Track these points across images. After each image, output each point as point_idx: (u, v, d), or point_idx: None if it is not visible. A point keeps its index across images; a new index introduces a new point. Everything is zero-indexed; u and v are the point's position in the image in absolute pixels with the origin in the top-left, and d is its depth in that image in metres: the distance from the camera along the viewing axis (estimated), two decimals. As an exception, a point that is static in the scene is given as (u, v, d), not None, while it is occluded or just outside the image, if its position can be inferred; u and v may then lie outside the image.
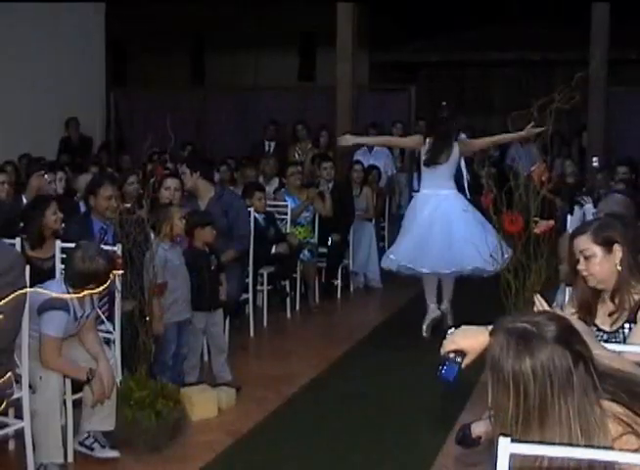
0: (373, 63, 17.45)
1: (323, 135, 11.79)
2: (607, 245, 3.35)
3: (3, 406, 2.40)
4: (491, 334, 2.25)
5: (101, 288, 4.22)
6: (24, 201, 6.81)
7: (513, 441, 1.98)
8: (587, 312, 3.45)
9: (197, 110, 14.07)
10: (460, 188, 7.58)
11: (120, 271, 4.99)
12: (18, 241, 5.37)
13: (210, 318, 6.01)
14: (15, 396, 4.31)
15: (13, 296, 1.44)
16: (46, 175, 7.17)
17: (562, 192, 9.20)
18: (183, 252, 5.86)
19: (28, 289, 4.19)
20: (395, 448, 5.04)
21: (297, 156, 11.74)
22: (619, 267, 3.33)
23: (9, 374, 2.03)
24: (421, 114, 13.14)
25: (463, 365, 2.55)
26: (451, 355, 2.56)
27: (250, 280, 7.43)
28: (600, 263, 3.36)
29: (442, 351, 2.59)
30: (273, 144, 12.35)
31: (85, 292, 4.29)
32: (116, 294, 5.18)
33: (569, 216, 7.00)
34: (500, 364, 2.13)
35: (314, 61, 18.34)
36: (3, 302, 1.39)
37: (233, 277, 6.66)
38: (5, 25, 11.12)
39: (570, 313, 3.45)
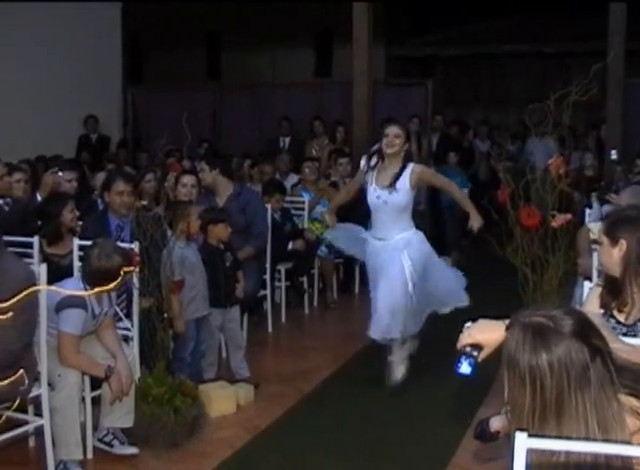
0: (389, 57, 17.41)
1: (339, 131, 11.80)
2: (613, 237, 3.37)
3: (17, 404, 2.40)
4: (507, 328, 2.24)
5: (113, 284, 4.22)
6: (39, 198, 6.83)
7: (530, 436, 1.97)
8: (613, 289, 3.44)
9: (213, 107, 14.08)
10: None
11: (138, 269, 5.02)
12: (36, 239, 5.39)
13: (227, 315, 6.02)
14: (34, 393, 4.34)
15: (24, 293, 1.44)
16: (60, 173, 7.18)
17: (580, 185, 9.15)
18: (198, 248, 5.87)
19: (46, 287, 4.22)
20: (414, 443, 5.03)
21: (314, 152, 11.74)
22: (619, 261, 3.34)
23: (21, 371, 2.05)
24: (438, 108, 13.12)
25: (479, 359, 2.54)
26: (467, 349, 2.54)
27: (267, 276, 7.44)
28: (605, 253, 3.41)
29: (459, 344, 2.57)
30: (288, 140, 12.35)
31: (99, 289, 4.30)
32: (134, 291, 5.19)
33: (587, 210, 6.96)
34: (516, 359, 2.12)
35: (330, 56, 18.31)
36: (15, 299, 1.39)
37: (251, 274, 6.66)
38: (22, 24, 11.17)
39: (596, 295, 3.46)
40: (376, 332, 5.81)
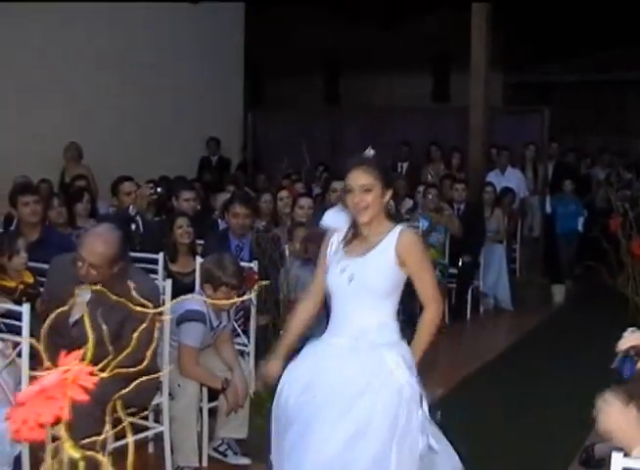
0: (507, 83, 17.36)
1: (455, 157, 11.83)
2: None
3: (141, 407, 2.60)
4: None
5: (227, 302, 4.43)
6: (131, 209, 7.08)
7: (625, 455, 2.04)
8: None
9: (331, 131, 14.28)
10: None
11: (256, 287, 5.22)
12: (160, 256, 5.65)
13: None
14: (155, 401, 4.58)
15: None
16: (158, 188, 7.54)
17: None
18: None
19: (169, 301, 4.45)
20: (522, 467, 5.05)
21: (429, 177, 11.78)
22: None
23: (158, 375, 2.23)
24: (555, 135, 13.02)
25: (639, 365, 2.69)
26: (632, 352, 2.69)
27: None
28: None
29: (620, 347, 2.69)
30: (406, 165, 12.41)
31: (216, 301, 4.50)
32: (252, 308, 5.39)
33: None
34: None
35: (448, 82, 18.38)
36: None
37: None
38: (146, 50, 11.61)
39: None
40: None
